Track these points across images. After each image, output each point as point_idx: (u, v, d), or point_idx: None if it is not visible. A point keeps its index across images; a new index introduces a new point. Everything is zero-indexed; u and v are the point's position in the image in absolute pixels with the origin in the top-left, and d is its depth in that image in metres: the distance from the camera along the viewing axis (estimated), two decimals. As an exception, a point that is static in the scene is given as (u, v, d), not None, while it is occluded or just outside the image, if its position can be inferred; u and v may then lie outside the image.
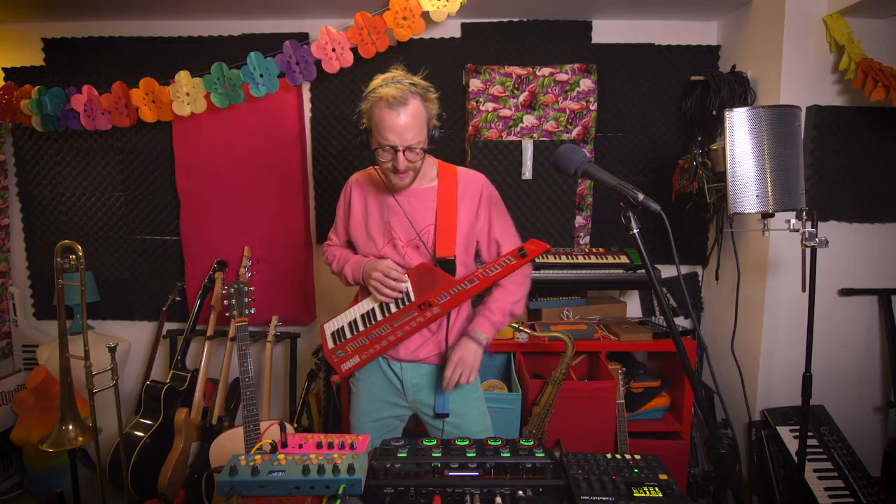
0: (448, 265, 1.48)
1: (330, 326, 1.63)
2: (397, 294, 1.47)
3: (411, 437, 1.34)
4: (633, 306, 2.79)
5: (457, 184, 1.52)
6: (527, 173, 2.57)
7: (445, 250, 1.48)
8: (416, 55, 2.61)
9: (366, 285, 1.53)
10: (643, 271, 2.34)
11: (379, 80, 1.40)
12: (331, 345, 1.60)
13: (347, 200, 1.63)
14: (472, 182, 1.54)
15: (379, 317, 1.52)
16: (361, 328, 1.55)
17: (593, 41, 2.64)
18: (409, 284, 1.48)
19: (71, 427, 2.04)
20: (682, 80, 2.61)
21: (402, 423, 1.67)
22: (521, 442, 1.26)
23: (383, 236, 1.54)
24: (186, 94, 2.50)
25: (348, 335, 1.57)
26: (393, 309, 1.50)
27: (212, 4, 2.49)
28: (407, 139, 1.36)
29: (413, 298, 1.47)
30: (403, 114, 1.34)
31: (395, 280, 1.46)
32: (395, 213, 1.52)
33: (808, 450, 2.11)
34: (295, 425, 2.55)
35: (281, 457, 1.17)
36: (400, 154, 1.38)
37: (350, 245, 1.69)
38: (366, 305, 1.56)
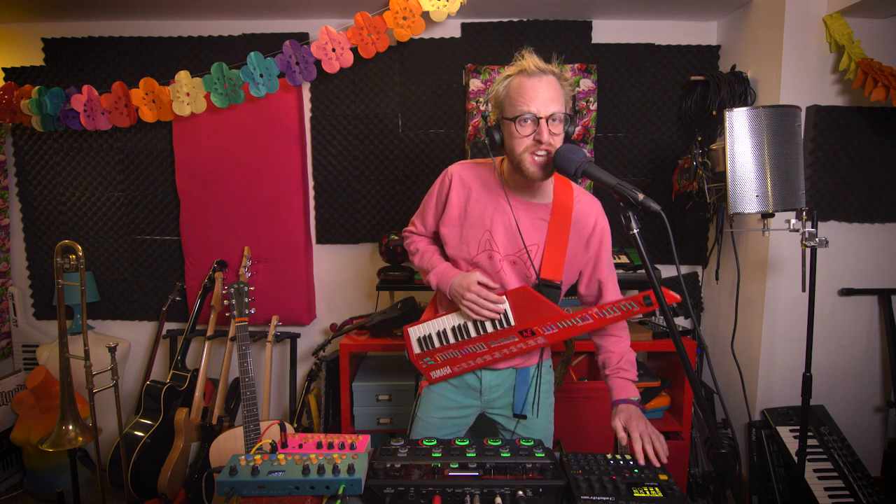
0: (553, 290, 1.37)
1: (416, 332, 1.53)
2: (495, 316, 1.39)
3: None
4: (633, 306, 2.79)
5: (573, 204, 1.41)
6: (527, 173, 2.57)
7: (553, 273, 1.37)
8: (416, 55, 2.61)
9: (455, 301, 1.43)
10: (643, 271, 2.34)
11: (509, 68, 1.31)
12: (417, 350, 1.52)
13: (445, 192, 1.47)
14: (588, 207, 1.44)
15: (472, 333, 1.43)
16: (452, 341, 1.46)
17: (593, 41, 2.64)
18: (507, 306, 1.37)
19: (71, 427, 2.04)
20: (682, 80, 2.61)
21: (468, 424, 1.60)
22: (521, 442, 1.26)
23: (479, 244, 1.41)
24: (186, 94, 2.50)
25: (437, 344, 1.48)
26: (489, 329, 1.40)
27: (212, 4, 2.49)
28: (550, 107, 1.24)
29: (513, 322, 1.37)
30: (545, 80, 1.24)
31: (493, 303, 1.37)
32: (504, 220, 1.39)
33: (808, 450, 2.11)
34: (295, 425, 2.55)
35: (281, 457, 1.17)
36: (543, 122, 1.24)
37: (436, 237, 1.57)
38: (456, 319, 1.47)
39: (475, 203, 1.42)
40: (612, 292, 1.48)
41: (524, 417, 1.51)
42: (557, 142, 1.27)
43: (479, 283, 1.38)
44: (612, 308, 1.28)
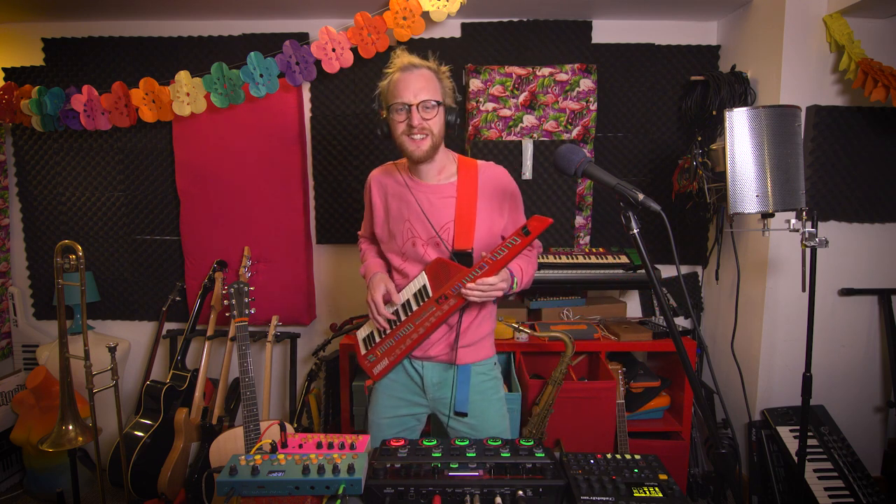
0: (465, 257, 1.46)
1: (361, 333, 1.64)
2: (384, 323, 1.53)
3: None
4: (633, 306, 2.79)
5: (477, 177, 1.51)
6: (527, 173, 2.57)
7: (463, 242, 1.47)
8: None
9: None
10: (643, 271, 2.34)
11: (390, 66, 1.47)
12: (363, 351, 1.61)
13: (368, 198, 1.63)
14: (494, 176, 1.53)
15: (403, 317, 1.52)
16: (388, 331, 1.55)
17: (593, 41, 2.64)
18: (427, 281, 1.47)
19: (71, 427, 2.04)
20: (682, 80, 2.61)
21: (419, 423, 1.64)
22: (521, 442, 1.26)
23: (403, 235, 1.53)
24: (186, 94, 2.50)
25: (377, 339, 1.57)
26: (414, 307, 1.50)
27: (212, 4, 2.49)
28: (420, 95, 1.39)
29: (431, 294, 1.47)
30: (416, 74, 1.40)
31: (379, 314, 1.52)
32: (415, 211, 1.51)
33: (808, 450, 2.11)
34: (295, 425, 2.55)
35: (281, 457, 1.17)
36: (414, 109, 1.39)
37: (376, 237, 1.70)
38: (390, 308, 1.56)
39: (393, 199, 1.55)
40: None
41: (464, 415, 1.54)
42: (433, 125, 1.42)
43: (385, 294, 1.52)
44: (501, 248, 1.37)
